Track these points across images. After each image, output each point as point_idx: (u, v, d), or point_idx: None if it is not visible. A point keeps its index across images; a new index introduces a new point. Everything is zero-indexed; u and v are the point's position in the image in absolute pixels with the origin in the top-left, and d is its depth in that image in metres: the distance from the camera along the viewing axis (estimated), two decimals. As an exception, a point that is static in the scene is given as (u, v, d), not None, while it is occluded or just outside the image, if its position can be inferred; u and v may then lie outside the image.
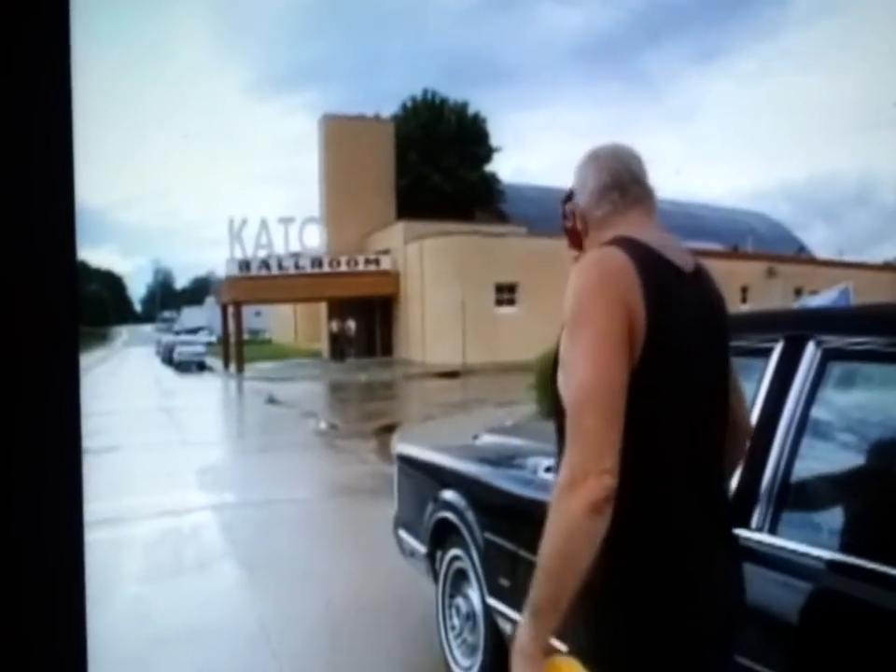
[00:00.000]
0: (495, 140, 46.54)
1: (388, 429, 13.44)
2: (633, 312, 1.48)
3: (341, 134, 39.31)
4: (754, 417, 2.19)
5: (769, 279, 36.82)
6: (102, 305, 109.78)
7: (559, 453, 1.55)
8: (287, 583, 5.57)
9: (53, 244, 0.57)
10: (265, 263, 34.38)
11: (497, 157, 47.62)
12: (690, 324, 1.63)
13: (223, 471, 10.75)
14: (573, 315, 1.51)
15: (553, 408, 1.65)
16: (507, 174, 62.29)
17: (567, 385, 1.49)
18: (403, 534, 4.57)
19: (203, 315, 74.99)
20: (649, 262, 1.57)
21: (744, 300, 34.76)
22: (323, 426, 15.54)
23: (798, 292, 32.17)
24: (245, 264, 34.15)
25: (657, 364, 1.51)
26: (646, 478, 1.52)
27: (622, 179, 1.74)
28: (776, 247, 49.05)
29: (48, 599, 0.57)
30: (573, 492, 1.36)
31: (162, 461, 11.40)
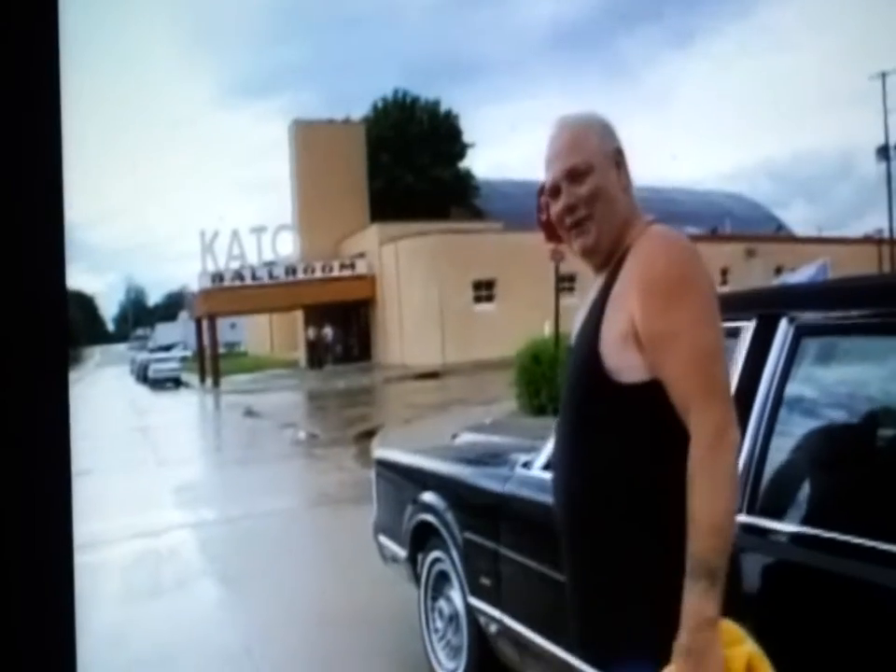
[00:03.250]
0: (469, 136, 46.71)
1: (368, 435, 13.33)
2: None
3: (311, 140, 39.18)
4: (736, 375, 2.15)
5: (749, 259, 37.03)
6: (73, 326, 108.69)
7: (586, 437, 1.62)
8: (268, 599, 5.45)
9: (41, 260, 0.57)
10: (238, 274, 34.11)
11: (472, 153, 47.68)
12: None
13: (200, 488, 10.57)
14: (676, 283, 1.51)
15: (583, 392, 1.64)
16: (483, 169, 62.46)
17: (679, 349, 1.48)
18: (383, 539, 4.48)
19: (178, 331, 74.31)
20: None
21: (724, 282, 34.98)
22: (302, 435, 15.41)
23: (778, 270, 32.43)
24: (218, 276, 33.85)
25: None
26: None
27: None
28: (754, 227, 49.40)
29: (37, 621, 0.57)
30: (724, 443, 1.42)
31: (138, 482, 11.18)
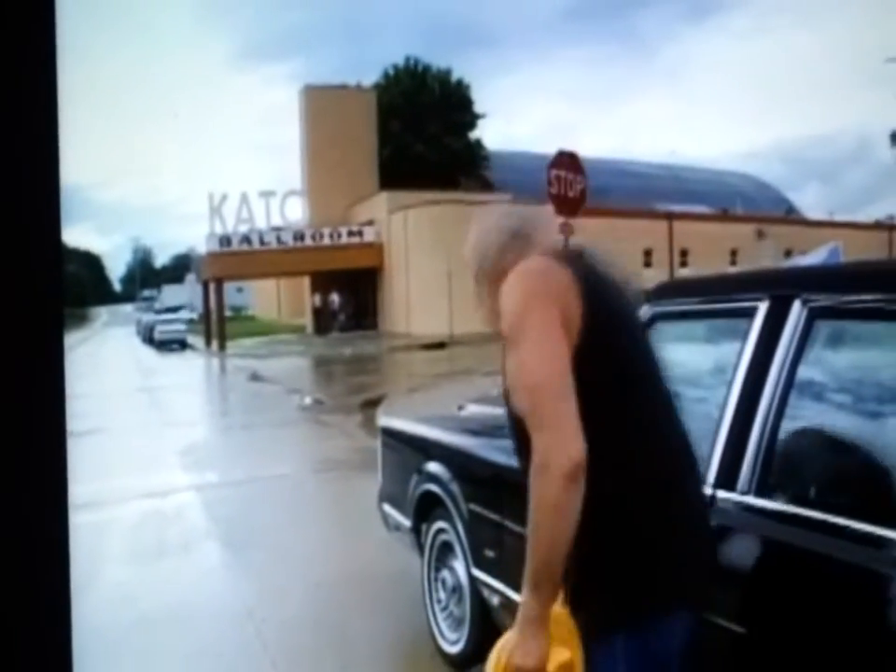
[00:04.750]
0: (480, 106, 46.34)
1: (373, 403, 13.36)
2: (568, 306, 1.62)
3: (321, 105, 38.91)
4: (739, 378, 2.14)
5: (758, 241, 36.87)
6: (80, 286, 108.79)
7: (520, 452, 1.78)
8: (272, 562, 5.51)
9: (37, 224, 0.57)
10: (246, 238, 34.08)
11: (482, 123, 47.32)
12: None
13: (206, 451, 10.64)
14: (511, 326, 1.62)
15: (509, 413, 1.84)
16: (494, 140, 61.93)
17: (516, 388, 1.66)
18: (388, 508, 4.50)
19: (185, 293, 74.20)
20: (571, 257, 1.75)
21: (733, 262, 34.82)
22: (308, 401, 15.44)
23: (788, 253, 32.27)
24: (225, 240, 33.84)
25: (601, 350, 1.66)
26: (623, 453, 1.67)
27: (517, 238, 1.86)
28: (765, 209, 49.06)
29: (32, 586, 0.57)
30: (546, 475, 1.49)
31: (144, 442, 11.25)
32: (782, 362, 2.07)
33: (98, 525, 6.58)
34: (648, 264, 34.18)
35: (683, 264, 35.45)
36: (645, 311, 2.56)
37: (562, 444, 1.48)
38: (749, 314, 2.21)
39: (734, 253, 35.39)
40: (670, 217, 36.17)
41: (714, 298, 2.47)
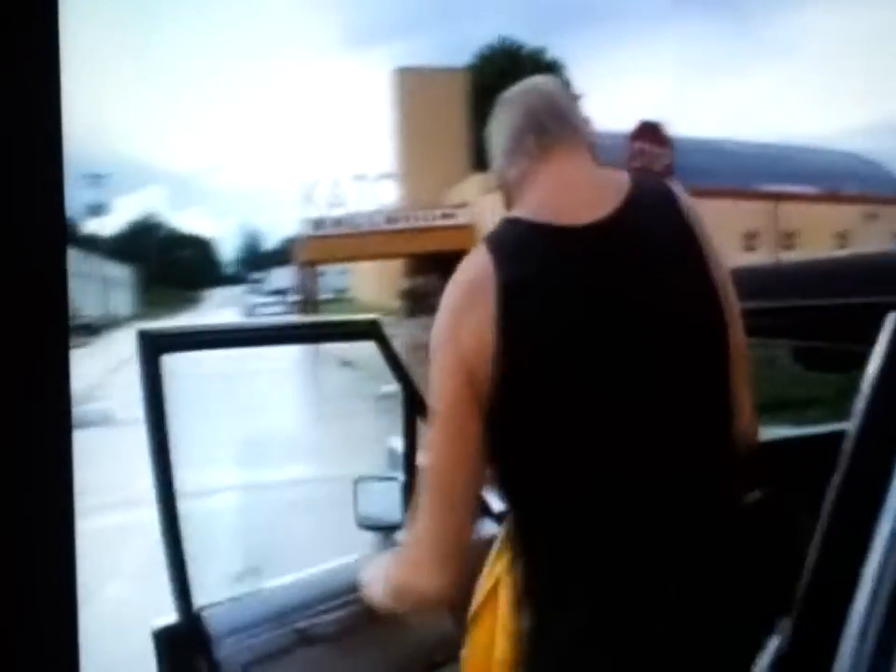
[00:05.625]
0: (579, 85, 45.43)
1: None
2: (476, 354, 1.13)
3: (414, 87, 38.97)
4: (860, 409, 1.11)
5: (869, 223, 34.53)
6: (192, 270, 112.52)
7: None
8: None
9: (41, 208, 0.54)
10: (339, 222, 34.29)
11: (582, 104, 46.41)
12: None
13: (266, 444, 10.16)
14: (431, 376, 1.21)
15: None
16: (594, 121, 60.66)
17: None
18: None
19: (292, 276, 75.79)
20: (522, 258, 1.16)
21: (841, 246, 32.86)
22: (389, 389, 15.15)
23: (899, 237, 30.26)
24: (318, 223, 34.14)
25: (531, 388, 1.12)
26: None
27: (538, 118, 1.36)
28: (876, 189, 46.20)
29: (38, 594, 0.54)
30: (409, 577, 1.27)
31: (205, 433, 10.97)
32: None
33: (122, 527, 6.34)
34: (750, 248, 32.44)
35: (788, 248, 33.53)
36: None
37: (425, 573, 1.22)
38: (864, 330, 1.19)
39: (842, 236, 33.33)
40: (775, 197, 34.29)
41: (802, 301, 1.51)
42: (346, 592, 1.72)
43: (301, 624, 1.67)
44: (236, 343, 1.79)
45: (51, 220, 0.54)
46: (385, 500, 2.08)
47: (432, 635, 1.82)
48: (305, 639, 1.67)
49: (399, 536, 2.02)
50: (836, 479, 1.07)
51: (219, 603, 1.59)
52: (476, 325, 1.12)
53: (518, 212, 1.25)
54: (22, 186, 0.52)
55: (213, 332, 1.87)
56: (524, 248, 1.17)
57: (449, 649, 1.65)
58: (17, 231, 0.52)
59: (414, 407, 2.01)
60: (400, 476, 2.14)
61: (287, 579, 1.79)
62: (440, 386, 1.17)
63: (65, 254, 0.54)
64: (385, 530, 2.11)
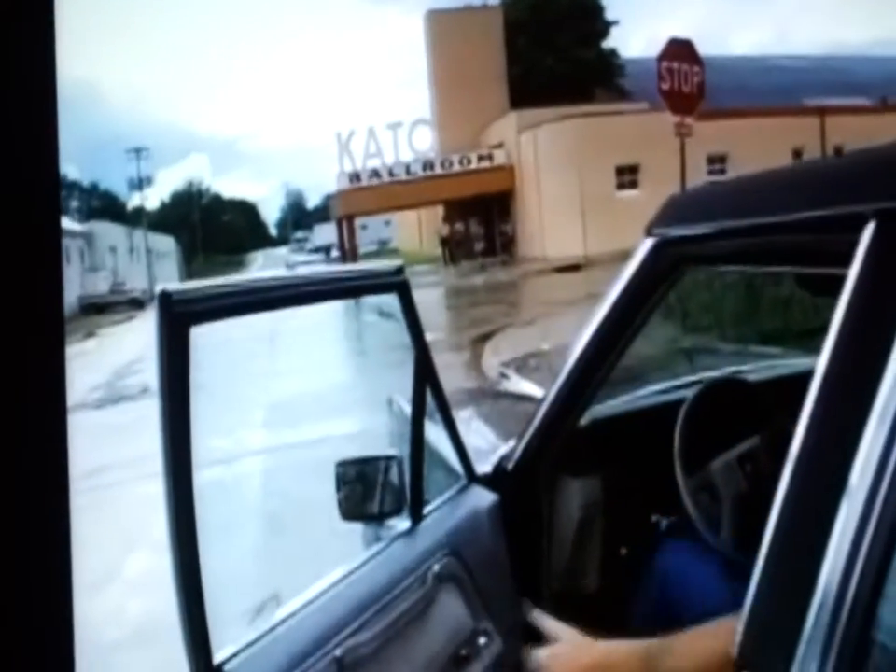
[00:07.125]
0: (621, 11, 43.82)
1: (486, 338, 12.53)
2: None
3: (447, 29, 38.14)
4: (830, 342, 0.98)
5: (923, 133, 32.87)
6: (236, 234, 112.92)
7: None
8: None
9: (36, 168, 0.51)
10: (375, 172, 33.81)
11: (625, 32, 45.14)
12: None
13: (296, 405, 9.77)
14: None
15: None
16: (637, 47, 58.90)
17: None
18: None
19: (333, 232, 75.83)
20: None
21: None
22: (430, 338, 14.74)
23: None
24: (355, 176, 33.71)
25: None
26: None
27: None
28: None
29: (32, 576, 0.52)
30: None
31: (241, 397, 10.73)
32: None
33: (147, 496, 6.10)
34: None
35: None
36: (651, 249, 1.51)
37: None
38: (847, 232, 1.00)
39: (896, 145, 31.74)
40: (822, 111, 32.61)
41: (773, 218, 1.26)
42: (373, 601, 1.46)
43: (338, 652, 1.36)
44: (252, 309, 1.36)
45: (46, 211, 0.51)
46: (377, 485, 1.71)
47: (458, 630, 1.64)
48: (345, 668, 1.37)
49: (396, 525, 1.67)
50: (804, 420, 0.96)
51: (241, 650, 1.23)
52: None
53: None
54: (15, 173, 0.49)
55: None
56: None
57: (474, 643, 1.59)
58: (11, 217, 0.49)
59: (425, 372, 1.66)
60: (398, 452, 1.76)
61: (308, 595, 1.45)
62: None
63: (60, 247, 0.52)
64: (376, 520, 1.77)
